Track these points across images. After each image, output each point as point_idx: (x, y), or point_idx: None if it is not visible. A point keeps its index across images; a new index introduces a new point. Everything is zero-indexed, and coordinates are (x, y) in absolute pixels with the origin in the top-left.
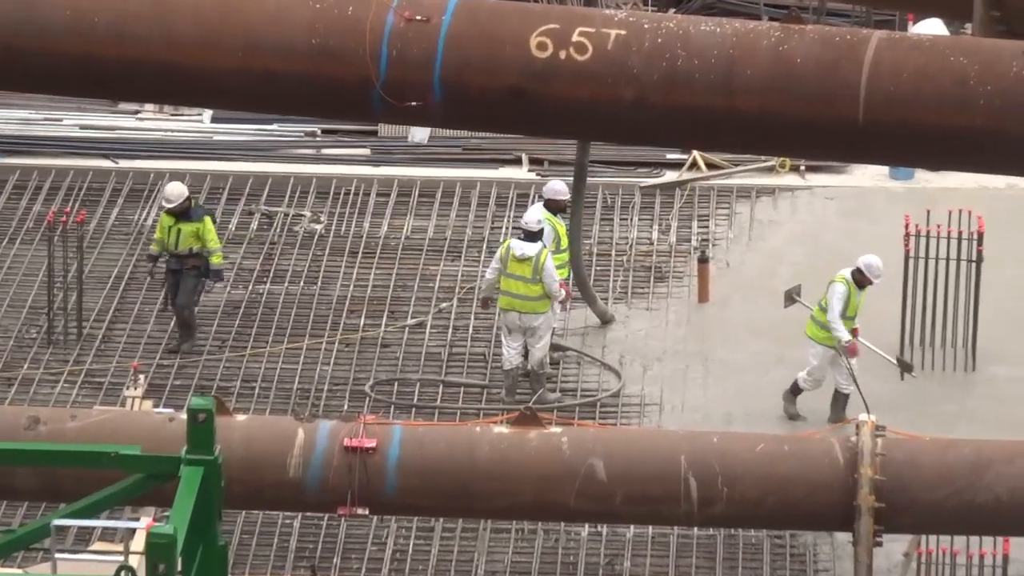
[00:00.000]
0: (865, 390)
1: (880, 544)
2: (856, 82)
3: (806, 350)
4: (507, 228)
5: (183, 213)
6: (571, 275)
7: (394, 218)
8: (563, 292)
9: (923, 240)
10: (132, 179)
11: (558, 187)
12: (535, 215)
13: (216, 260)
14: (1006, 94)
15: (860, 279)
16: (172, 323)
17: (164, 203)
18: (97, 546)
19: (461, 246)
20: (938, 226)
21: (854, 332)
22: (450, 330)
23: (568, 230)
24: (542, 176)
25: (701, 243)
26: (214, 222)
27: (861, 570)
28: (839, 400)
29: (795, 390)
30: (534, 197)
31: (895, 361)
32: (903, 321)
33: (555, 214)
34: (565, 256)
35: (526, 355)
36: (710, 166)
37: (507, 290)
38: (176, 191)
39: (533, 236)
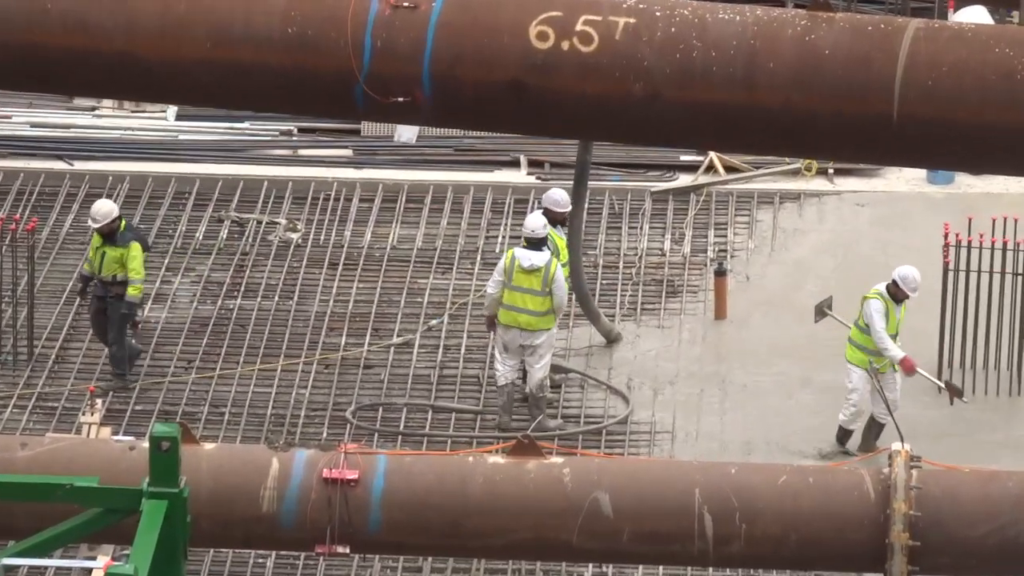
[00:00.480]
0: (899, 415)
1: None
2: (891, 76)
3: (845, 377)
4: (504, 237)
5: (110, 235)
6: (571, 289)
7: (378, 226)
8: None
9: (964, 251)
10: (88, 182)
11: (558, 196)
12: (539, 220)
13: (132, 292)
14: None
15: (896, 292)
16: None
17: (90, 222)
18: None
19: (452, 257)
20: (980, 235)
21: None
22: (440, 350)
23: (568, 239)
24: (542, 180)
25: (718, 254)
26: (146, 249)
27: None
28: (872, 429)
29: (843, 437)
30: (534, 203)
31: (944, 386)
32: (941, 340)
33: (555, 226)
34: (565, 271)
35: (523, 377)
36: (728, 169)
37: (511, 304)
38: (103, 210)
39: (538, 244)
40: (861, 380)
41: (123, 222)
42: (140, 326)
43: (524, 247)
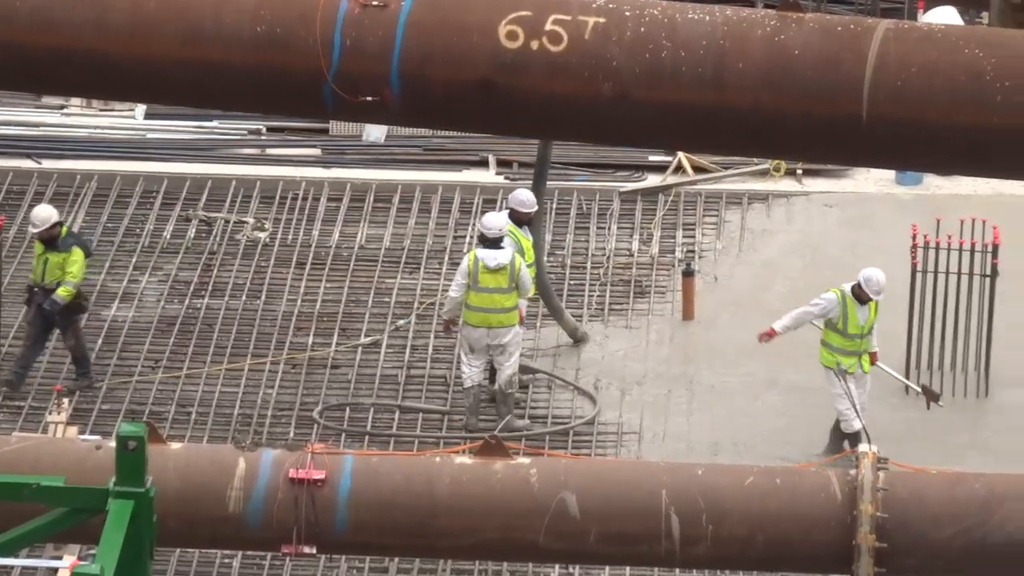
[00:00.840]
0: (866, 417)
1: None
2: (860, 77)
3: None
4: (471, 237)
5: (50, 241)
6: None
7: (346, 225)
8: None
9: (932, 252)
10: (56, 181)
11: (524, 197)
12: (499, 220)
13: (62, 292)
14: None
15: (860, 294)
16: (99, 342)
17: (30, 228)
18: None
19: (420, 257)
20: (949, 237)
21: (872, 356)
22: (407, 350)
23: (532, 237)
24: (511, 180)
25: (686, 254)
26: (87, 255)
27: None
28: (839, 431)
29: (841, 437)
30: (502, 203)
31: (919, 389)
32: (909, 341)
33: (520, 226)
34: (532, 272)
35: (489, 378)
36: (697, 169)
37: (480, 306)
38: (41, 215)
39: (496, 243)
40: (832, 381)
41: (64, 228)
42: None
43: (482, 247)
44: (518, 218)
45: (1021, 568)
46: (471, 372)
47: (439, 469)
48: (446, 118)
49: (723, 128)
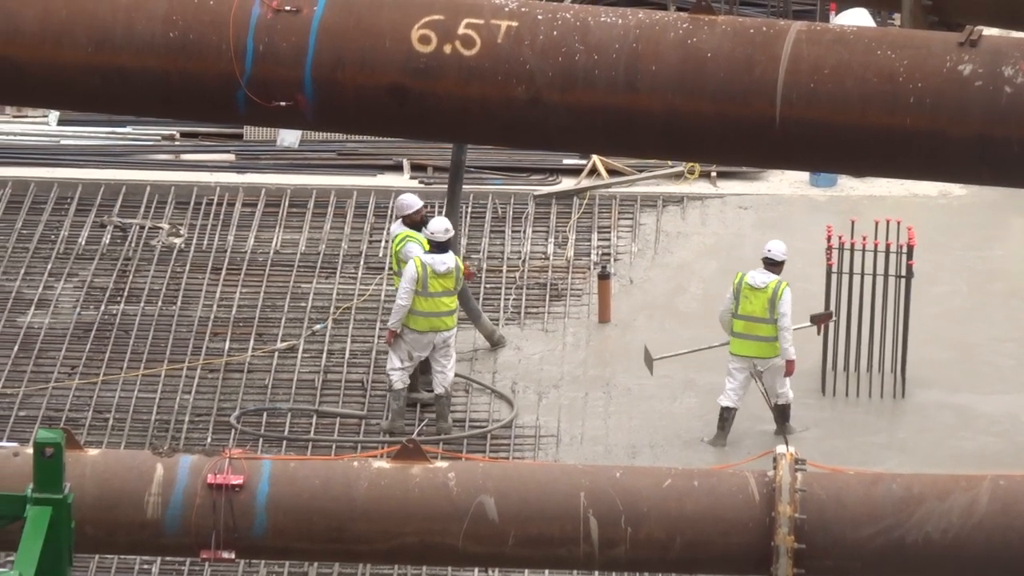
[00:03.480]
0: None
1: None
2: (773, 79)
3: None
4: (387, 242)
5: None
6: None
7: (261, 231)
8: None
9: (847, 253)
10: None
11: (408, 201)
12: (444, 223)
13: None
14: (939, 92)
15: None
16: (15, 349)
17: None
18: None
19: (336, 262)
20: (863, 238)
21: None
22: (324, 355)
23: None
24: (425, 184)
25: (602, 257)
26: None
27: None
28: (779, 408)
29: (781, 413)
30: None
31: (809, 321)
32: (825, 342)
33: (417, 229)
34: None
35: (410, 385)
36: (611, 172)
37: (430, 311)
38: None
39: (444, 246)
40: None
41: None
42: None
43: (428, 252)
44: (411, 222)
45: (938, 568)
46: (403, 376)
47: (357, 473)
48: (360, 123)
49: (637, 131)
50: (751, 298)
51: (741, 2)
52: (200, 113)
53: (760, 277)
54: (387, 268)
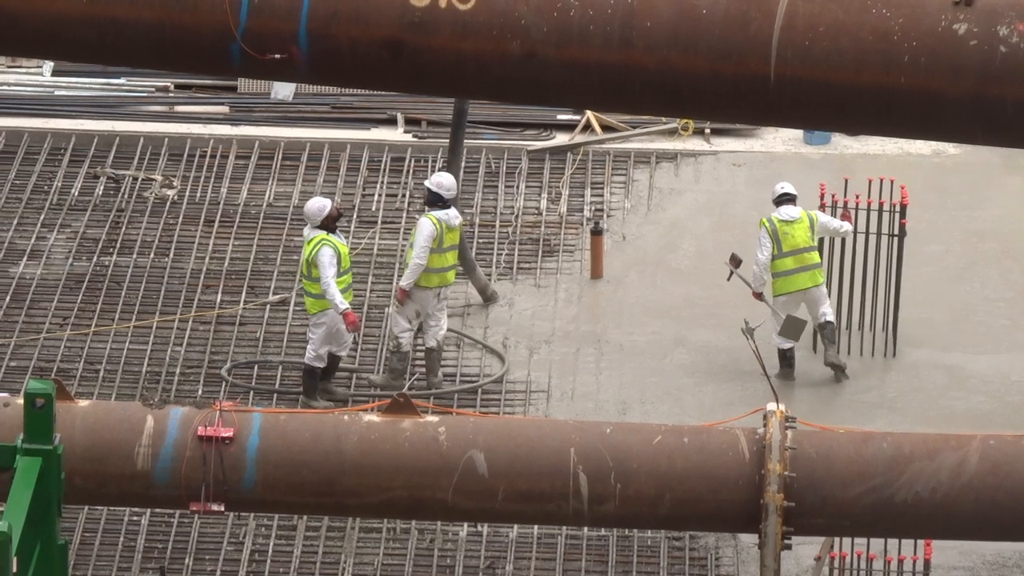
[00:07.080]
0: (773, 376)
1: (789, 547)
2: (767, 36)
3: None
4: (380, 196)
5: None
6: None
7: (255, 183)
8: None
9: (840, 211)
10: None
11: (316, 207)
12: (450, 180)
13: None
14: (933, 51)
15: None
16: (7, 299)
17: None
18: None
19: None
20: (857, 196)
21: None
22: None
23: None
24: (419, 138)
25: (595, 213)
26: None
27: (768, 575)
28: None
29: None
30: (410, 161)
31: (728, 261)
32: None
33: (332, 230)
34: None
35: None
36: (605, 128)
37: (442, 266)
38: None
39: (449, 203)
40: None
41: None
42: None
43: (433, 209)
44: (325, 224)
45: (927, 527)
46: (410, 336)
47: (347, 427)
48: (354, 77)
49: (631, 87)
50: (792, 232)
51: None
52: (194, 65)
53: (790, 211)
54: (297, 275)
